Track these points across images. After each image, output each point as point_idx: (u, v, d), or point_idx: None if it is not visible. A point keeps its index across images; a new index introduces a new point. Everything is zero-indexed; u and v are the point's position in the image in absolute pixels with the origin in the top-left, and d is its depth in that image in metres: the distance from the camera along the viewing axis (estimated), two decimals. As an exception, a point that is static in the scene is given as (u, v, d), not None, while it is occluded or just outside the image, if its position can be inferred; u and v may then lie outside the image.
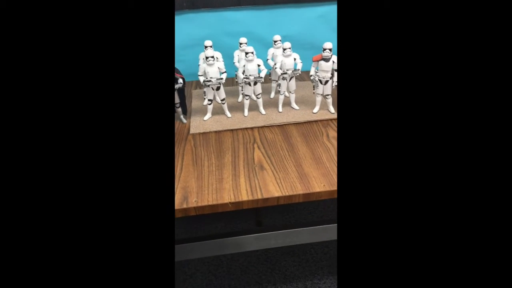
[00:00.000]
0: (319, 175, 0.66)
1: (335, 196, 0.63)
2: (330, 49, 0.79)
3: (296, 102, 0.96)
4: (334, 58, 0.81)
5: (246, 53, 0.81)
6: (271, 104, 0.97)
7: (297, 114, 0.91)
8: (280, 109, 0.92)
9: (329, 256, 1.20)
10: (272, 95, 1.03)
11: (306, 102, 0.98)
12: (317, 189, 0.62)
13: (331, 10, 1.14)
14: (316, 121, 0.87)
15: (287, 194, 0.61)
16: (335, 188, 0.62)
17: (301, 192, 0.62)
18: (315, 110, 0.91)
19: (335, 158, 0.71)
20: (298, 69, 0.85)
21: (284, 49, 0.82)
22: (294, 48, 1.23)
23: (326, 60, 0.81)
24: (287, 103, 0.95)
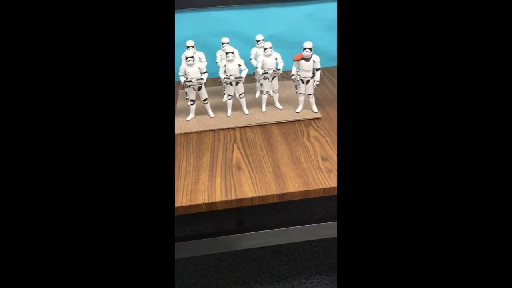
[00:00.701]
0: (295, 176, 0.66)
1: (310, 196, 0.63)
2: (310, 49, 0.79)
3: (281, 102, 0.96)
4: (315, 57, 0.81)
5: (226, 53, 0.81)
6: (255, 103, 0.97)
7: (280, 113, 0.91)
8: (264, 108, 0.92)
9: (317, 256, 1.20)
10: (257, 94, 1.02)
11: (290, 101, 0.97)
12: (291, 190, 0.62)
13: (318, 9, 1.13)
14: (298, 121, 0.87)
15: (261, 194, 0.61)
16: (310, 188, 0.62)
17: (275, 192, 0.62)
18: (298, 109, 0.90)
19: (313, 158, 0.71)
20: (279, 69, 0.85)
21: (265, 49, 0.82)
22: (281, 47, 1.23)
23: (307, 59, 0.80)
24: (271, 103, 0.95)
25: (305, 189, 0.62)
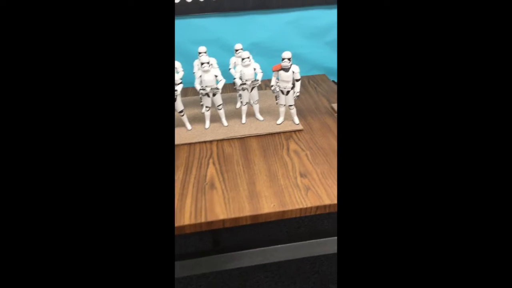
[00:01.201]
0: (271, 194, 0.62)
1: (285, 217, 0.59)
2: (289, 59, 0.76)
3: (262, 112, 0.92)
4: (294, 67, 0.77)
5: (202, 63, 0.77)
6: (236, 114, 0.94)
7: (260, 125, 0.87)
8: (244, 120, 0.89)
9: (302, 271, 1.16)
10: (238, 105, 0.99)
11: (272, 112, 0.94)
12: (266, 210, 0.58)
13: (300, 16, 1.11)
14: (278, 133, 0.84)
15: (233, 216, 0.57)
16: (286, 208, 0.58)
17: (248, 214, 0.58)
18: (279, 121, 0.87)
19: (291, 174, 0.67)
20: (258, 80, 0.81)
21: (243, 59, 0.79)
22: (263, 56, 1.20)
23: (286, 70, 0.77)
24: (253, 113, 0.91)
25: (281, 209, 0.58)
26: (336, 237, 0.79)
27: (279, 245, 0.81)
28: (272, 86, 0.82)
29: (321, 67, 1.23)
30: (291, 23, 1.12)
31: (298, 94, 0.80)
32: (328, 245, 0.82)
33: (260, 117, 0.89)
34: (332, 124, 0.86)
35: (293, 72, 0.78)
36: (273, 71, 0.80)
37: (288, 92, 0.81)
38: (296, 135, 0.82)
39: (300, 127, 0.85)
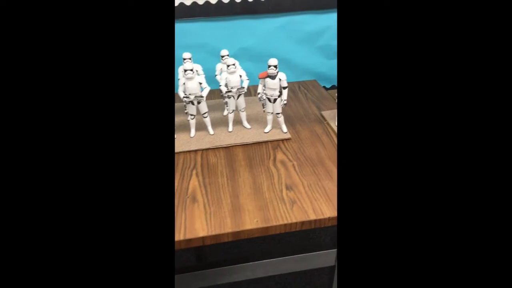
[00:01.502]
0: (255, 208, 0.59)
1: (269, 233, 0.56)
2: (275, 66, 0.73)
3: (250, 120, 0.90)
4: (281, 75, 0.75)
5: (185, 70, 0.74)
6: (222, 122, 0.91)
7: (247, 134, 0.84)
8: (230, 128, 0.86)
9: (291, 284, 1.14)
10: (225, 112, 0.96)
11: (260, 119, 0.91)
12: (248, 226, 0.55)
13: (290, 21, 1.08)
14: (266, 142, 0.81)
15: (213, 233, 0.54)
16: (269, 224, 0.56)
17: (229, 230, 0.55)
18: (267, 129, 0.84)
19: (277, 186, 0.65)
20: (243, 87, 0.79)
21: (228, 66, 0.76)
22: (253, 61, 1.18)
23: (272, 77, 0.75)
24: (240, 121, 0.89)
25: (264, 225, 0.56)
26: (328, 250, 0.77)
27: (271, 259, 0.78)
28: (258, 93, 0.80)
29: (312, 72, 1.21)
30: (281, 28, 1.09)
31: (285, 102, 0.78)
32: (321, 259, 0.80)
33: (247, 125, 0.87)
34: (321, 132, 0.84)
35: (280, 79, 0.75)
36: (259, 78, 0.77)
37: (275, 100, 0.78)
38: (284, 144, 0.80)
39: (288, 135, 0.83)
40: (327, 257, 0.75)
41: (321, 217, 0.57)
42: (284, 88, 0.77)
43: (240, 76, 0.78)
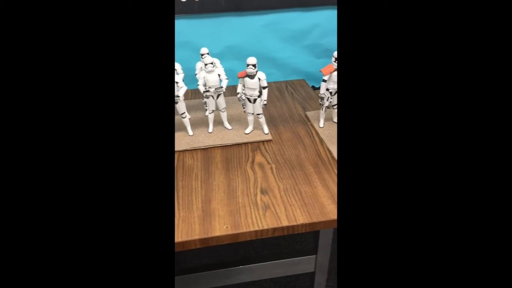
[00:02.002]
0: (226, 214, 0.57)
1: (239, 239, 0.54)
2: (254, 65, 0.71)
3: (231, 120, 0.87)
4: (260, 74, 0.72)
5: (205, 64, 0.71)
6: (203, 122, 0.88)
7: (228, 135, 0.82)
8: (210, 129, 0.83)
9: (277, 286, 1.11)
10: (207, 112, 0.94)
11: (243, 120, 0.88)
12: (217, 233, 0.53)
13: (276, 19, 1.05)
14: (245, 144, 0.78)
15: (180, 240, 0.52)
16: (239, 230, 0.53)
17: (197, 237, 0.52)
18: (247, 130, 0.82)
19: (252, 190, 0.62)
20: (222, 87, 0.76)
21: (206, 64, 0.74)
22: (239, 59, 1.15)
23: (251, 77, 0.72)
24: (221, 122, 0.86)
25: (234, 232, 0.53)
26: (307, 257, 0.74)
27: (256, 264, 0.76)
28: (238, 93, 0.77)
29: (300, 71, 1.18)
30: (267, 26, 1.07)
31: (265, 102, 0.75)
32: (306, 264, 0.77)
33: (228, 126, 0.84)
34: (304, 133, 0.82)
35: (259, 79, 0.73)
36: (238, 77, 0.75)
37: (255, 100, 0.76)
38: (264, 146, 0.77)
39: (269, 137, 0.80)
40: (307, 264, 0.73)
41: (294, 223, 0.54)
42: (264, 88, 0.74)
43: (219, 75, 0.76)
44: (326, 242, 0.68)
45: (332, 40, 1.11)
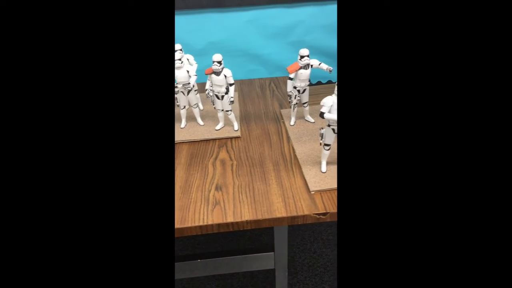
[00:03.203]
0: (176, 208, 0.58)
1: (183, 234, 0.55)
2: (219, 62, 0.71)
3: (207, 117, 0.88)
4: (226, 71, 0.73)
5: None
6: (178, 118, 0.90)
7: (198, 131, 0.83)
8: (183, 124, 0.85)
9: (256, 281, 1.12)
10: (180, 108, 0.95)
11: (216, 116, 0.90)
12: (162, 227, 0.54)
13: (259, 15, 1.05)
14: (214, 140, 0.80)
15: (125, 232, 0.54)
16: (184, 225, 0.54)
17: (142, 229, 0.54)
18: (218, 127, 0.83)
19: (207, 186, 0.63)
20: (189, 83, 0.77)
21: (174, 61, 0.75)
22: (223, 56, 1.16)
23: (217, 73, 0.73)
24: (194, 118, 0.87)
25: (179, 226, 0.54)
26: (266, 253, 0.75)
27: (206, 259, 0.77)
28: (206, 90, 0.78)
29: (285, 68, 1.18)
30: (250, 22, 1.07)
31: (232, 99, 0.76)
32: (264, 261, 0.78)
33: (201, 122, 0.85)
34: (274, 131, 0.82)
35: (225, 76, 0.73)
36: (205, 74, 0.76)
37: (222, 96, 0.76)
38: (231, 143, 0.78)
39: (237, 133, 0.81)
40: (266, 260, 0.74)
41: (239, 220, 0.55)
42: (231, 85, 0.75)
43: (188, 71, 0.77)
44: (281, 239, 0.69)
45: (316, 37, 1.10)
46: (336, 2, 1.06)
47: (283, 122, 0.86)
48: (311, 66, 0.75)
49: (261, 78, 1.17)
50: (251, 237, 1.27)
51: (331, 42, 1.12)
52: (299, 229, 1.29)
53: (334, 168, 0.66)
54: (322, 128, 0.61)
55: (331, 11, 1.07)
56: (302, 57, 0.73)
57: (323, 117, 0.57)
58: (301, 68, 0.73)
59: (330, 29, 1.10)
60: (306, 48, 0.74)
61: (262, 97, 1.03)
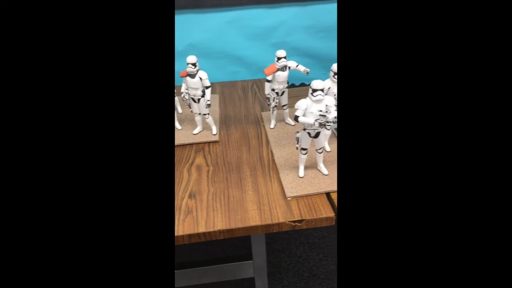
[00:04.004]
0: (146, 218, 0.56)
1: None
2: (193, 64, 0.69)
3: (186, 120, 0.85)
4: (202, 74, 0.70)
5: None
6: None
7: (176, 135, 0.80)
8: (160, 129, 0.82)
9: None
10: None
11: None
12: (129, 238, 0.52)
13: (240, 16, 1.03)
14: (191, 144, 0.77)
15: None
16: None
17: (108, 242, 0.52)
18: (196, 131, 0.80)
19: (181, 194, 0.61)
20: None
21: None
22: (204, 57, 1.13)
23: (192, 76, 0.70)
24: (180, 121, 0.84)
25: (147, 237, 0.52)
26: (243, 262, 0.73)
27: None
28: (182, 93, 0.76)
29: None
30: (230, 23, 1.04)
31: (209, 102, 0.73)
32: (244, 270, 0.76)
33: (178, 126, 0.83)
34: (253, 135, 0.80)
35: (201, 78, 0.71)
36: (180, 76, 0.73)
37: (199, 99, 0.74)
38: (209, 147, 0.76)
39: (216, 138, 0.78)
40: (246, 269, 0.71)
41: (211, 229, 0.53)
42: (207, 87, 0.72)
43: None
44: (259, 246, 0.67)
45: (298, 38, 1.09)
46: (317, 3, 1.05)
47: (263, 125, 0.84)
48: (289, 68, 0.73)
49: (243, 80, 1.15)
50: (236, 242, 1.25)
51: (313, 43, 1.11)
52: (285, 233, 1.27)
53: (312, 173, 0.64)
54: (298, 132, 0.59)
55: (313, 12, 1.05)
56: (279, 58, 0.71)
57: (297, 121, 0.55)
58: (278, 70, 0.71)
59: (312, 30, 1.08)
60: (283, 50, 0.73)
61: (243, 99, 1.01)
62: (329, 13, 1.07)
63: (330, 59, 1.21)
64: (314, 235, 1.26)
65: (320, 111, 0.54)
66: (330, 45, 1.13)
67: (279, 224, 0.54)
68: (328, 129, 0.69)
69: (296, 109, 0.55)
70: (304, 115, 0.55)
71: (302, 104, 0.54)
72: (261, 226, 0.53)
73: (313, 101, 0.54)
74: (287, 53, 1.22)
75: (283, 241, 1.24)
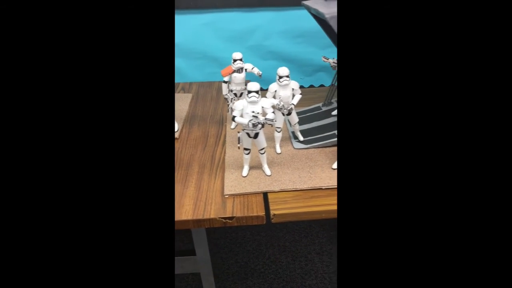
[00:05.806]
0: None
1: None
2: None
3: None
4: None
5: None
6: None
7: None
8: (125, 124, 0.85)
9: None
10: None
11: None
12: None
13: (217, 18, 1.05)
14: (150, 141, 0.79)
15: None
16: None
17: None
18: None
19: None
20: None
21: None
22: (182, 57, 1.16)
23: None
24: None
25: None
26: (188, 257, 0.74)
27: None
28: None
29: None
30: (207, 25, 1.06)
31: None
32: (189, 265, 0.77)
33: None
34: (214, 134, 0.81)
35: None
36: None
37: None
38: (173, 145, 0.78)
39: (176, 135, 0.80)
40: (191, 264, 0.73)
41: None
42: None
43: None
44: (201, 241, 0.68)
45: (275, 42, 1.10)
46: (293, 8, 1.06)
47: (226, 125, 0.85)
48: (245, 70, 0.74)
49: (220, 81, 1.17)
50: (183, 238, 1.26)
51: (291, 47, 1.12)
52: (258, 235, 1.28)
53: (256, 173, 0.65)
54: (239, 132, 0.61)
55: (289, 17, 1.06)
56: (235, 60, 0.72)
57: (234, 121, 0.57)
58: (234, 71, 0.73)
59: (288, 35, 1.10)
60: (239, 52, 0.74)
61: (215, 100, 1.03)
62: (305, 19, 1.08)
63: (307, 64, 1.22)
64: (285, 238, 1.26)
65: (253, 112, 0.55)
66: (307, 50, 1.14)
67: (210, 220, 0.55)
68: (279, 132, 0.70)
69: (233, 110, 0.57)
70: (241, 116, 0.57)
71: (238, 105, 0.56)
72: (192, 221, 0.55)
73: (248, 102, 0.55)
74: (265, 56, 1.24)
75: (254, 242, 1.25)
